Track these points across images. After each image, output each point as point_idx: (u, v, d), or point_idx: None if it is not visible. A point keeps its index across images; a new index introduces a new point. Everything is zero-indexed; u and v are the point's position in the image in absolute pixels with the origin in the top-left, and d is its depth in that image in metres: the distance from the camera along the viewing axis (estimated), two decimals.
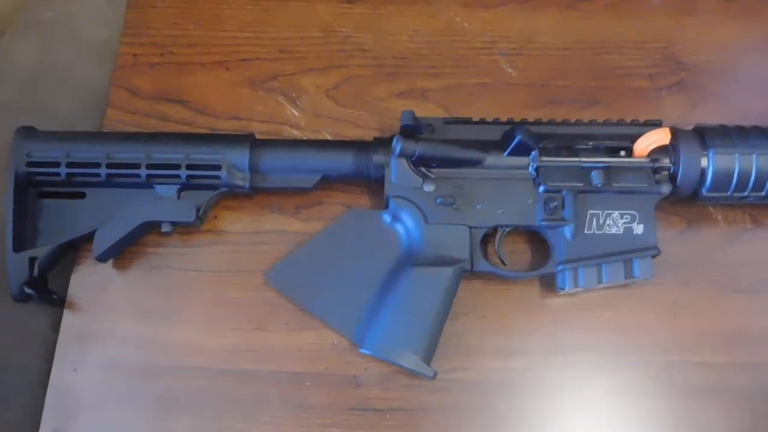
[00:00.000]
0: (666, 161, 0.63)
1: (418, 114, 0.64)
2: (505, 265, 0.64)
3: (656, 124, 0.64)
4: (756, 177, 0.62)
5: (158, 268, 0.66)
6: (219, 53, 0.74)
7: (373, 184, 0.65)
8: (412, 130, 0.63)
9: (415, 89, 0.73)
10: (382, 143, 0.64)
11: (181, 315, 0.65)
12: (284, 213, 0.68)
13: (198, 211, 0.63)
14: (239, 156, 0.63)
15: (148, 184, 0.63)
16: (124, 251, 0.66)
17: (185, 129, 0.70)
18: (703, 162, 0.62)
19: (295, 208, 0.68)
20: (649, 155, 0.63)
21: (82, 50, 0.75)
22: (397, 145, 0.61)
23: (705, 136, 0.63)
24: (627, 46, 0.75)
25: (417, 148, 0.61)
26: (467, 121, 0.65)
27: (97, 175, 0.62)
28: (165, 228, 0.63)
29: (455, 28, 0.76)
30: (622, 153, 0.63)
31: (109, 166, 0.62)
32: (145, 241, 0.67)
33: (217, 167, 0.63)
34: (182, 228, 0.66)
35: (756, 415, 0.62)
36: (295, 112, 0.72)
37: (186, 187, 0.63)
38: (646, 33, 0.76)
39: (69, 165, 0.62)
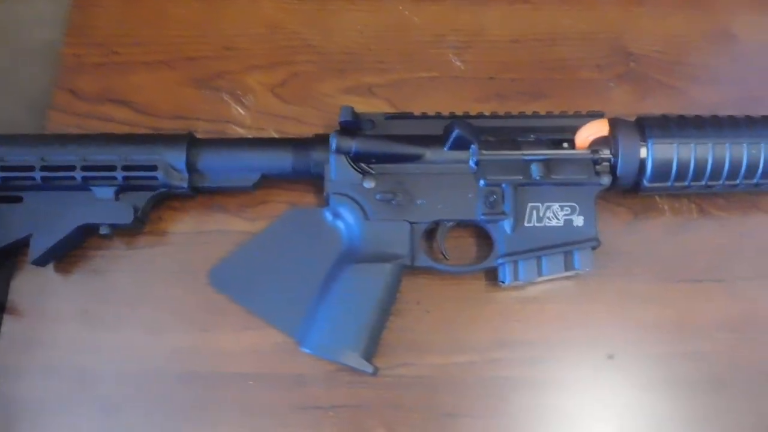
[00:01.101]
0: (606, 152, 0.62)
1: (365, 110, 0.64)
2: (447, 260, 0.64)
3: (598, 116, 0.64)
4: (695, 166, 0.62)
5: (100, 271, 0.66)
6: (163, 52, 0.73)
7: (317, 182, 0.65)
8: (351, 126, 0.62)
9: (363, 85, 0.72)
10: (321, 140, 0.63)
11: (124, 318, 0.64)
12: (228, 213, 0.67)
13: (136, 212, 0.63)
14: (176, 156, 0.62)
15: (84, 186, 0.62)
16: (64, 255, 0.65)
17: (129, 130, 0.69)
18: (643, 152, 0.62)
19: (239, 207, 0.67)
20: (589, 147, 0.63)
21: (24, 52, 0.74)
22: (333, 141, 0.61)
23: (644, 126, 0.63)
24: (576, 37, 0.75)
25: (354, 144, 0.61)
26: (409, 116, 0.65)
27: (32, 178, 0.61)
28: (103, 230, 0.63)
29: (404, 22, 0.75)
30: (565, 145, 0.63)
31: (43, 168, 0.61)
32: (87, 244, 0.66)
33: (154, 168, 0.62)
34: (124, 230, 0.65)
35: (702, 404, 0.62)
36: (240, 110, 0.71)
37: (124, 188, 0.63)
38: (595, 24, 0.75)
39: (3, 169, 0.61)
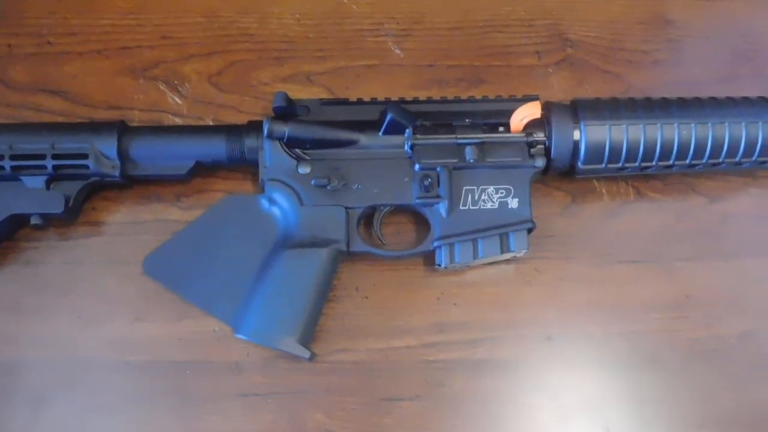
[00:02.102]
0: (540, 135, 0.63)
1: (303, 97, 0.64)
2: (384, 245, 0.64)
3: (533, 99, 0.64)
4: (627, 148, 0.62)
5: (33, 262, 0.64)
6: (98, 41, 0.72)
7: (254, 170, 0.64)
8: (285, 111, 0.62)
9: (301, 73, 0.72)
10: (255, 126, 0.63)
11: (57, 309, 0.63)
12: (164, 202, 0.66)
13: (68, 201, 0.62)
14: (107, 143, 0.62)
15: (13, 176, 0.61)
16: None
17: (63, 120, 0.68)
18: (576, 134, 0.63)
19: (175, 196, 0.67)
20: (523, 130, 0.63)
21: None
22: (266, 126, 0.61)
23: (578, 108, 0.63)
24: (515, 24, 0.75)
25: (286, 129, 0.61)
26: (344, 102, 0.65)
27: None
28: (34, 220, 0.62)
29: (343, 9, 0.75)
30: (501, 129, 0.63)
31: None
32: (19, 236, 0.65)
33: (85, 156, 0.61)
34: (57, 221, 0.64)
35: (639, 383, 0.63)
36: (177, 99, 0.70)
37: (54, 177, 0.62)
38: (533, 10, 0.76)
39: None
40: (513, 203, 0.62)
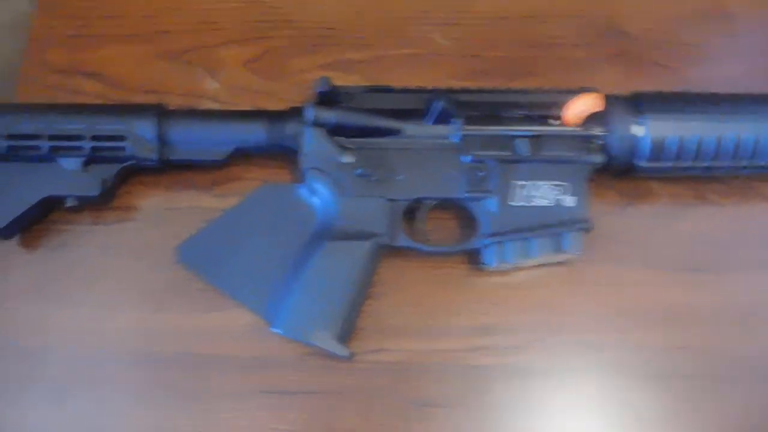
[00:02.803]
0: (599, 129, 0.59)
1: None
2: (428, 240, 0.60)
3: (591, 91, 0.60)
4: (695, 146, 0.58)
5: (66, 246, 0.62)
6: (136, 25, 0.70)
7: (293, 159, 0.61)
8: (328, 97, 0.59)
9: (341, 61, 0.69)
10: (296, 112, 0.60)
11: (83, 296, 0.61)
12: (199, 189, 0.64)
13: (104, 185, 0.60)
14: (146, 126, 0.59)
15: (50, 156, 0.59)
16: (29, 229, 0.62)
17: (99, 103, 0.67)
18: (639, 130, 0.59)
19: (210, 183, 0.64)
20: (581, 123, 0.59)
21: None
22: (310, 112, 0.58)
23: (641, 102, 0.60)
24: (565, 14, 0.72)
25: (331, 116, 0.58)
26: (389, 90, 0.61)
27: None
28: (70, 203, 0.60)
29: None
30: (555, 122, 0.59)
31: (8, 137, 0.58)
32: (53, 218, 0.63)
33: (123, 138, 0.59)
34: (92, 205, 0.62)
35: (689, 398, 0.58)
36: (214, 85, 0.68)
37: (91, 159, 0.60)
38: (586, 2, 0.72)
39: None
40: (569, 201, 0.59)
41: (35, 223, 0.62)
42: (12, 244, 0.62)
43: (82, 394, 0.58)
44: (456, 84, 0.63)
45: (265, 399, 0.58)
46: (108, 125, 0.59)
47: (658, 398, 0.59)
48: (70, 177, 0.59)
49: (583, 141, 0.59)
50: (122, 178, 0.62)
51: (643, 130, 0.59)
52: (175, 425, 0.57)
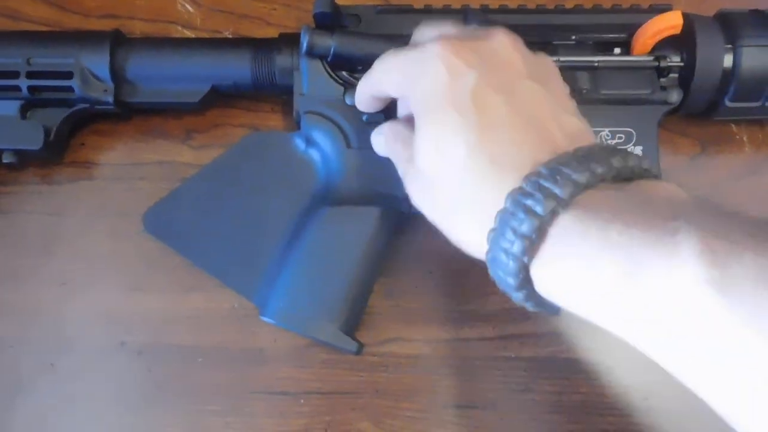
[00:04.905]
0: (676, 59, 0.47)
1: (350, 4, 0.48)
2: None
3: (664, 9, 0.48)
4: None
5: (8, 212, 0.51)
6: None
7: (286, 98, 0.50)
8: (330, 20, 0.46)
9: None
10: (289, 41, 0.48)
11: (36, 272, 0.50)
12: (171, 139, 0.52)
13: (48, 134, 0.48)
14: (97, 59, 0.47)
15: None
16: None
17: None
18: (727, 60, 0.46)
19: (185, 132, 0.52)
20: (652, 51, 0.47)
21: None
22: (305, 39, 0.45)
23: (730, 24, 0.47)
24: None
25: (332, 43, 0.45)
26: (408, 10, 0.49)
27: None
28: (7, 158, 0.48)
29: None
30: (617, 50, 0.47)
31: None
32: None
33: (69, 75, 0.47)
34: (37, 160, 0.51)
35: None
36: (188, 7, 0.55)
37: (31, 103, 0.48)
38: None
39: None
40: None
41: None
42: None
43: (40, 392, 0.48)
44: (492, 2, 0.50)
45: (262, 401, 0.47)
46: (49, 58, 0.47)
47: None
48: (6, 125, 0.48)
49: (654, 74, 0.47)
50: (72, 126, 0.50)
51: (733, 60, 0.46)
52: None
